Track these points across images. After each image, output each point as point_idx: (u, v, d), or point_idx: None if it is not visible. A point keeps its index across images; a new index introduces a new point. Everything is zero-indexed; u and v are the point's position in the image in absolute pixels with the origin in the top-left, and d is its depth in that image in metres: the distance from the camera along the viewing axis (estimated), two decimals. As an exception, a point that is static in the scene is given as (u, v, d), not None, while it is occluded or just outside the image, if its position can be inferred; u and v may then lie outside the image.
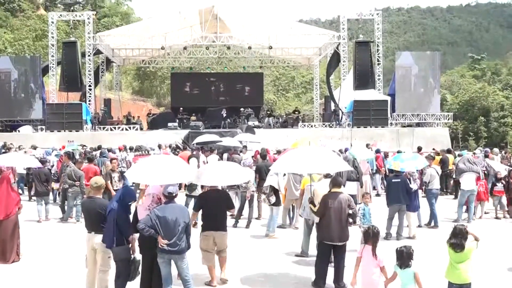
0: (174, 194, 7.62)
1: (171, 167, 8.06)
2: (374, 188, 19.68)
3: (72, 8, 37.97)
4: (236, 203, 15.05)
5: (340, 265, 8.60)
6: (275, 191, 12.73)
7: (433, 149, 23.83)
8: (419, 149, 22.09)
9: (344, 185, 10.14)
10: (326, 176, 9.86)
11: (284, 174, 12.79)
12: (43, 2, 64.61)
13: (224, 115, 33.68)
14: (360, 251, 7.42)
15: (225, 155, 21.25)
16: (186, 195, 14.46)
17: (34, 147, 22.69)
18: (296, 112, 37.18)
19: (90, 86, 32.61)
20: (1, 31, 46.90)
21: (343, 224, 8.54)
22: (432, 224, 13.89)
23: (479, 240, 7.03)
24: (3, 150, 22.55)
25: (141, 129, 33.34)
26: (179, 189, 14.79)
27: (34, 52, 42.98)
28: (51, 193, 16.27)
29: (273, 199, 12.67)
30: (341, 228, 8.51)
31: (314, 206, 8.90)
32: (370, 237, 7.36)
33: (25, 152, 20.30)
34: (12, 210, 10.40)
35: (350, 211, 8.53)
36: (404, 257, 6.83)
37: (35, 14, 56.19)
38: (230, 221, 14.29)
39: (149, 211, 7.59)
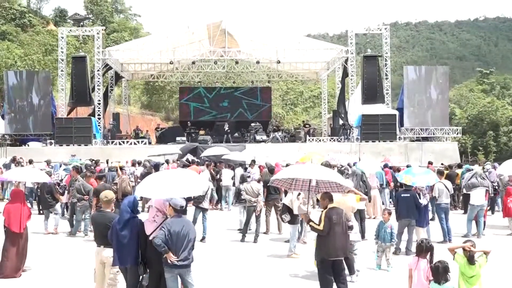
0: (183, 208, 7.56)
1: (181, 181, 7.95)
2: (382, 203, 19.57)
3: (81, 23, 38.15)
4: (243, 217, 15.06)
5: (345, 279, 8.69)
6: (289, 209, 12.54)
7: (442, 163, 23.73)
8: (430, 163, 22.00)
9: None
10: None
11: (299, 194, 12.50)
12: (53, 18, 65.29)
13: (226, 128, 33.74)
14: (412, 263, 7.39)
15: (237, 170, 21.20)
16: (195, 205, 14.33)
17: (48, 162, 22.79)
18: (307, 126, 37.07)
19: (99, 100, 32.79)
20: (12, 46, 47.30)
21: (347, 238, 8.72)
22: (441, 239, 13.78)
23: (488, 253, 6.99)
24: (12, 164, 22.68)
25: (150, 143, 33.45)
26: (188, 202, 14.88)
27: (43, 66, 43.34)
28: (59, 206, 16.29)
29: (286, 217, 12.48)
30: (346, 241, 8.68)
31: (315, 223, 8.62)
32: (423, 250, 7.33)
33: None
34: (25, 224, 10.48)
35: (350, 224, 8.82)
36: (440, 272, 6.79)
37: (45, 29, 56.71)
38: (237, 236, 14.37)
39: (157, 224, 7.50)
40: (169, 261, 7.26)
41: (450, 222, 14.18)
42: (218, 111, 40.50)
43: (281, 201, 14.51)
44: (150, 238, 7.42)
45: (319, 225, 8.46)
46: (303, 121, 42.07)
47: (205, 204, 14.32)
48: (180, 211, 7.50)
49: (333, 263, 8.50)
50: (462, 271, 6.98)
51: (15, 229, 10.29)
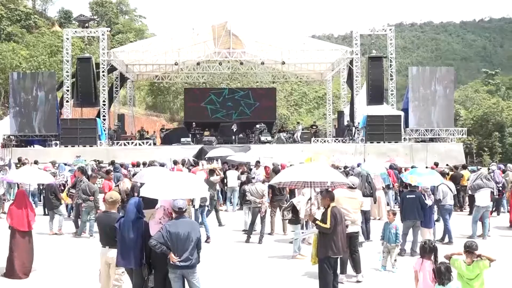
0: (184, 209, 7.54)
1: (184, 182, 8.05)
2: (387, 204, 19.52)
3: (86, 24, 38.16)
4: (248, 218, 15.05)
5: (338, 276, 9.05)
6: (295, 210, 12.48)
7: (447, 164, 23.67)
8: (436, 164, 21.93)
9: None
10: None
11: (310, 198, 12.45)
12: (58, 19, 65.50)
13: (235, 129, 33.72)
14: (417, 265, 7.38)
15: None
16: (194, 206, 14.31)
17: (54, 163, 22.84)
18: (314, 127, 37.04)
19: (104, 101, 32.81)
20: (17, 47, 47.44)
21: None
22: (447, 240, 13.77)
23: (493, 261, 6.96)
24: (13, 164, 22.72)
25: (155, 144, 33.47)
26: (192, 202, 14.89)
27: (49, 68, 43.43)
28: (63, 207, 16.32)
29: (287, 214, 12.49)
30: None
31: (322, 222, 8.64)
32: (427, 251, 7.32)
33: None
34: (32, 223, 10.50)
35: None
36: (443, 273, 6.77)
37: (50, 30, 56.91)
38: (242, 237, 14.36)
39: (161, 226, 7.55)
40: (171, 262, 7.30)
41: (452, 223, 14.16)
42: (226, 111, 40.43)
43: (286, 202, 14.51)
44: None
45: (325, 223, 8.51)
46: (298, 122, 41.83)
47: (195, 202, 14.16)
48: (179, 212, 7.50)
49: (335, 261, 8.64)
50: (460, 273, 6.96)
51: (22, 227, 10.28)
